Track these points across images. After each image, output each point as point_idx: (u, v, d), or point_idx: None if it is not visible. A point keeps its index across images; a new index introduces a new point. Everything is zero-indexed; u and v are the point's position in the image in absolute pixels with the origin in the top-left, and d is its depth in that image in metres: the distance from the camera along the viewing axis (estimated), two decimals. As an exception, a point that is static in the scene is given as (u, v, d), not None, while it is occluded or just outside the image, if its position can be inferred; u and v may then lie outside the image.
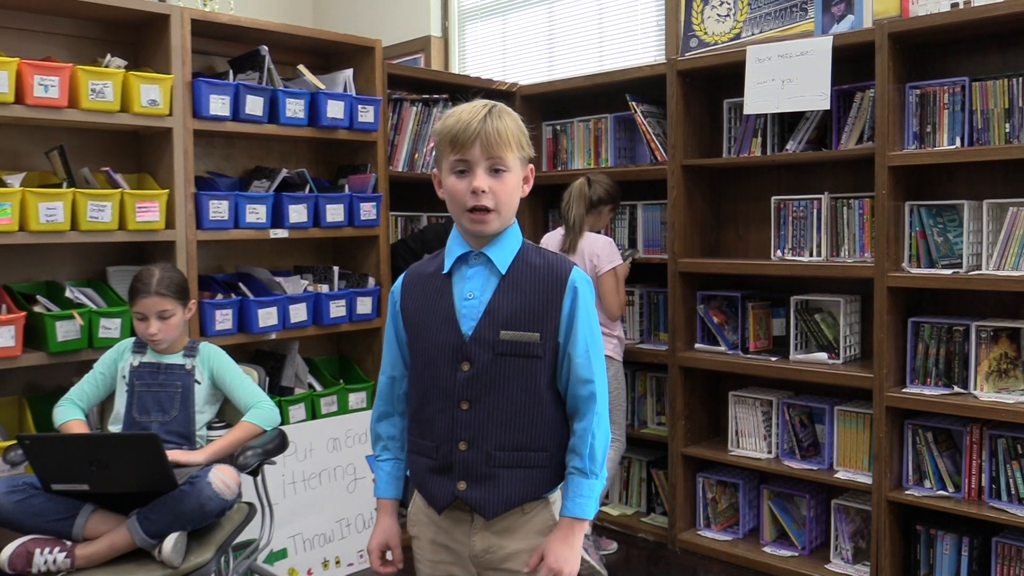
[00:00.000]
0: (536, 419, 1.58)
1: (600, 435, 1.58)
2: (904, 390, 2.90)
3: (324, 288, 3.24)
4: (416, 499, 1.70)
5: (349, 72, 3.34)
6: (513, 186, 1.56)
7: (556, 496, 1.65)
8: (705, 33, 3.72)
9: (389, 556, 1.71)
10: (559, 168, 4.03)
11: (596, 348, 1.60)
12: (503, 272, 1.58)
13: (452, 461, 1.59)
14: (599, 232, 3.44)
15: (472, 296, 1.58)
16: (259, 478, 2.50)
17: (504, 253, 1.59)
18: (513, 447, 1.58)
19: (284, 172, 3.14)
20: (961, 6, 2.90)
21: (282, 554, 3.04)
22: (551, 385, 1.60)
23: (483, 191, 1.52)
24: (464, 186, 1.53)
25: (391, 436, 1.73)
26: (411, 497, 1.72)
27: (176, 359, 2.50)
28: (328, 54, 3.52)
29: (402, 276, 1.70)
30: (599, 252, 3.27)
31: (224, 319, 2.90)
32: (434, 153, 1.66)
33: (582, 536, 1.61)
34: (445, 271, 1.61)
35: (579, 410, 1.60)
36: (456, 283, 1.60)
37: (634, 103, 3.61)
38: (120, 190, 2.67)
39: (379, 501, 1.73)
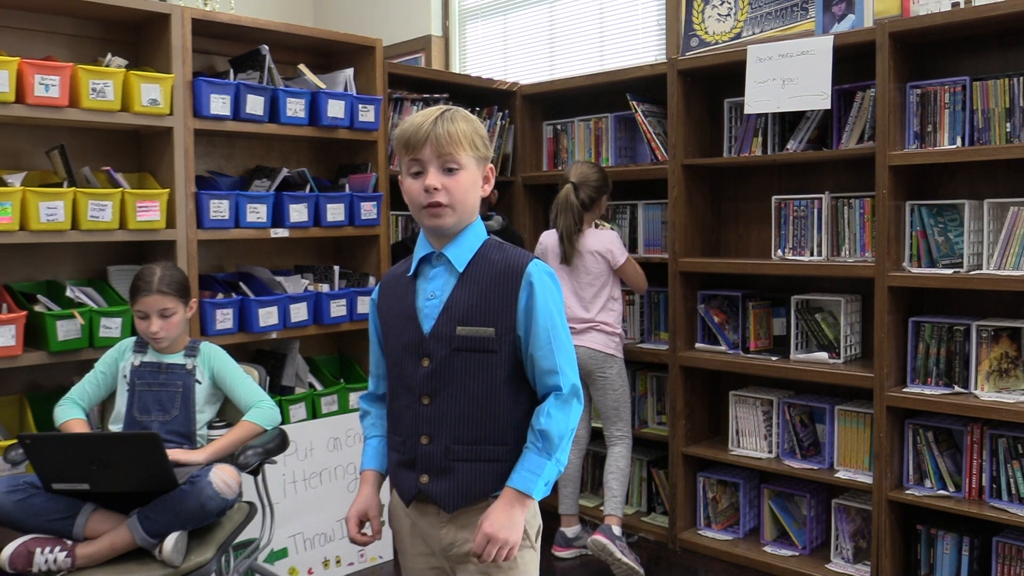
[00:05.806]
0: (494, 413, 1.61)
1: (557, 416, 1.59)
2: (905, 390, 2.90)
3: (325, 287, 3.25)
4: (393, 493, 1.73)
5: (350, 71, 3.34)
6: (468, 183, 1.62)
7: None
8: (706, 33, 3.72)
9: (368, 529, 1.72)
10: (560, 168, 4.03)
11: (559, 339, 1.61)
12: (460, 270, 1.63)
13: (416, 455, 1.64)
14: (601, 218, 3.44)
15: (434, 296, 1.64)
16: (260, 477, 2.51)
17: (462, 252, 1.64)
18: (471, 441, 1.61)
19: (285, 171, 3.14)
20: (962, 5, 2.90)
21: (282, 553, 3.04)
22: (509, 379, 1.62)
23: (435, 188, 1.58)
24: (419, 186, 1.60)
25: (380, 415, 1.79)
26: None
27: (177, 359, 2.50)
28: (329, 53, 3.52)
29: (382, 279, 1.78)
30: (611, 247, 3.30)
31: (225, 319, 2.90)
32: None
33: (524, 511, 1.60)
34: (411, 273, 1.68)
35: (544, 395, 1.63)
36: (420, 284, 1.67)
37: (635, 102, 3.61)
38: (121, 189, 2.67)
39: (363, 473, 1.76)
